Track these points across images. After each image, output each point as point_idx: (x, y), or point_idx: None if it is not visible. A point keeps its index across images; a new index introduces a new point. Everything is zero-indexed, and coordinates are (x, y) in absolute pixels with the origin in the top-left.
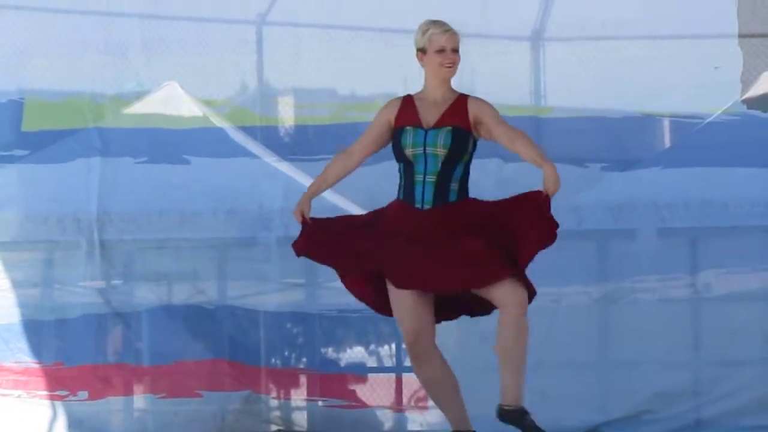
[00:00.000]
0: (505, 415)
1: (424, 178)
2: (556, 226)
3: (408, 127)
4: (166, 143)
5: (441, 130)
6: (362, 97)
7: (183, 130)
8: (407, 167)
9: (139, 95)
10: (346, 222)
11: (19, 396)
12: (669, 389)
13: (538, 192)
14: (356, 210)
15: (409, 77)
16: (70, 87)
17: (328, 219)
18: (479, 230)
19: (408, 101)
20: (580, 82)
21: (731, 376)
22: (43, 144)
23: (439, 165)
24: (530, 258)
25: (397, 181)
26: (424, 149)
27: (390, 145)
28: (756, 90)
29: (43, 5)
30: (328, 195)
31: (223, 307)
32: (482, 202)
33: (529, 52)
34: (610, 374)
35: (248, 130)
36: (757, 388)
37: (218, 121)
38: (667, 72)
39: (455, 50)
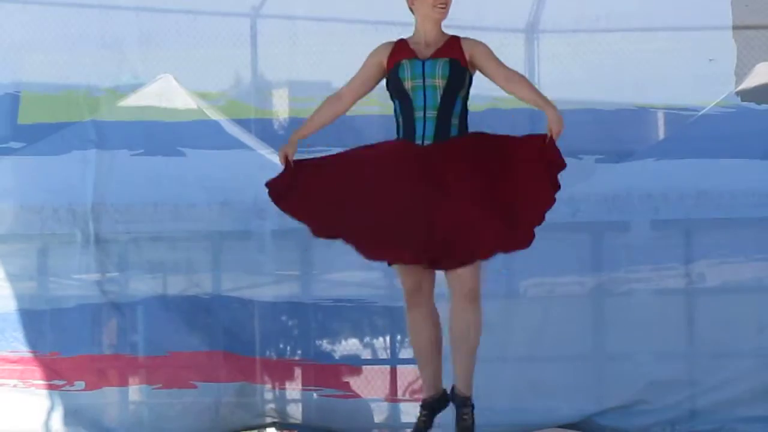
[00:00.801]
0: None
1: (425, 113)
2: (563, 165)
3: (404, 60)
4: (162, 136)
5: (438, 61)
6: None
7: (178, 123)
8: (405, 103)
9: (134, 88)
10: (332, 170)
11: (15, 385)
12: (663, 379)
13: (542, 135)
14: None
15: None
16: (66, 80)
17: (311, 164)
18: (480, 177)
19: (401, 43)
20: (575, 75)
21: (725, 367)
22: (39, 136)
23: (439, 98)
24: (541, 219)
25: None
26: (423, 80)
27: None
28: (750, 82)
29: None
30: None
31: (218, 298)
32: (484, 136)
33: (523, 44)
34: (604, 364)
35: (243, 123)
36: (751, 378)
37: (213, 114)
38: (661, 64)
39: None
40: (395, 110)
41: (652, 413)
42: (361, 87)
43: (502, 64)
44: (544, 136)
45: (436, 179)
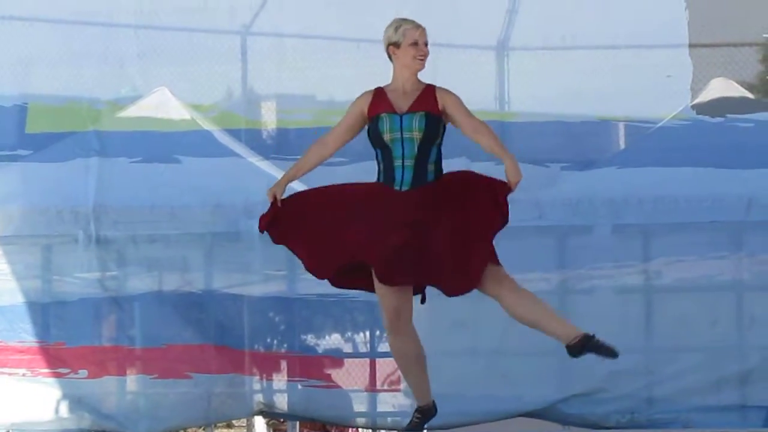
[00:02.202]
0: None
1: (403, 162)
2: (506, 215)
3: (383, 114)
4: (158, 144)
5: (415, 115)
6: (340, 102)
7: (174, 133)
8: (385, 153)
9: (133, 100)
10: (316, 204)
11: (24, 374)
12: (623, 369)
13: (502, 183)
14: None
15: (383, 84)
16: (70, 93)
17: (297, 199)
18: (450, 218)
19: (379, 92)
20: (542, 89)
21: (681, 359)
22: (45, 145)
23: (416, 149)
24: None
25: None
26: (401, 134)
27: (355, 143)
28: (704, 96)
29: (45, 17)
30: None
31: (210, 294)
32: (452, 178)
33: (494, 60)
34: (567, 356)
35: (234, 133)
36: (704, 370)
37: (206, 124)
38: (622, 80)
39: (426, 44)
40: (376, 157)
41: (612, 401)
42: (344, 134)
43: (470, 115)
44: (505, 184)
45: (411, 220)
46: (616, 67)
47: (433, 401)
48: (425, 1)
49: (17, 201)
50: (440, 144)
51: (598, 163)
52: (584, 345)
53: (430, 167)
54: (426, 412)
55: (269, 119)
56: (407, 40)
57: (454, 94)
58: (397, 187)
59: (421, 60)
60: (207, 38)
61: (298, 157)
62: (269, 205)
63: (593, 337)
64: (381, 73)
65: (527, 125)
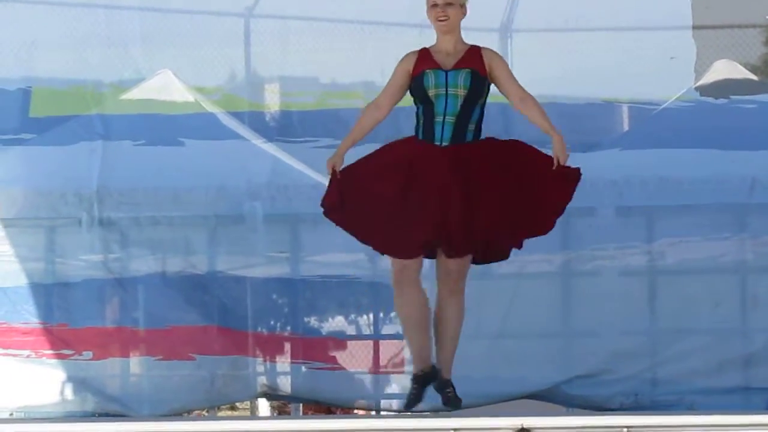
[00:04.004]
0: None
1: (444, 118)
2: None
3: (428, 70)
4: (162, 127)
5: (461, 72)
6: (343, 85)
7: (178, 116)
8: (426, 108)
9: (136, 83)
10: (368, 179)
11: (28, 356)
12: (626, 350)
13: (551, 159)
14: None
15: (386, 67)
16: (74, 76)
17: (352, 174)
18: (491, 184)
19: (424, 52)
20: (546, 72)
21: (684, 340)
22: (49, 128)
23: (459, 106)
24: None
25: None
26: (446, 89)
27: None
28: (708, 78)
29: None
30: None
31: (213, 276)
32: (497, 144)
33: (497, 43)
34: (571, 337)
35: (237, 115)
36: (708, 351)
37: (210, 107)
38: (625, 62)
39: (448, 4)
40: (417, 113)
41: (616, 383)
42: (395, 94)
43: (518, 84)
44: (552, 160)
45: (454, 178)
46: (619, 49)
47: (433, 366)
48: None
49: (21, 184)
50: (483, 104)
51: (601, 145)
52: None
53: (471, 126)
54: (422, 379)
55: (272, 102)
56: (429, 3)
57: (501, 58)
58: (437, 143)
59: (442, 21)
60: (210, 21)
61: (301, 139)
62: (329, 178)
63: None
64: (384, 55)
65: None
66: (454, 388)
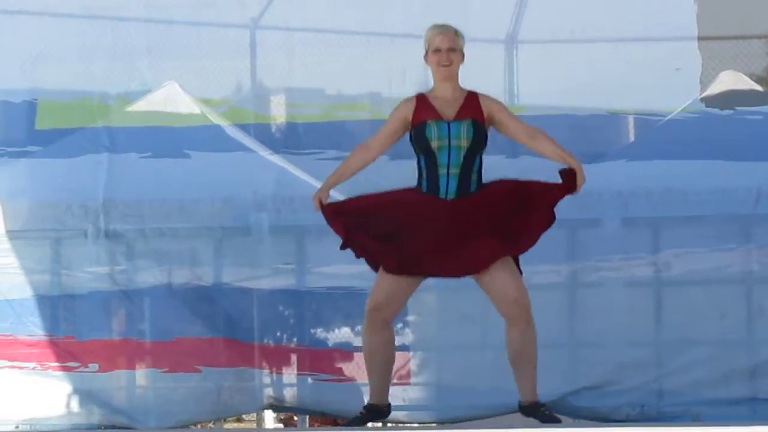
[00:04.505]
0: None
1: (448, 170)
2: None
3: (430, 121)
4: (168, 139)
5: (463, 122)
6: (349, 96)
7: (184, 128)
8: (429, 160)
9: (142, 95)
10: (359, 210)
11: (34, 368)
12: (632, 362)
13: (559, 186)
14: None
15: (393, 79)
16: (80, 88)
17: (341, 204)
18: (495, 222)
19: (422, 99)
20: (552, 83)
21: (690, 351)
22: (55, 141)
23: (462, 158)
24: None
25: (414, 175)
26: (449, 141)
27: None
28: (713, 89)
29: (54, 11)
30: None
31: (219, 288)
32: (499, 187)
33: (503, 54)
34: (577, 348)
35: (243, 127)
36: (714, 362)
37: (216, 119)
38: (631, 73)
39: (451, 49)
40: (419, 164)
41: (622, 394)
42: (387, 139)
43: (521, 122)
44: (562, 186)
45: (460, 226)
46: (624, 60)
47: (388, 405)
48: None
49: (27, 196)
50: (482, 153)
51: (607, 156)
52: (535, 409)
53: (474, 176)
54: (376, 411)
55: (278, 113)
56: (431, 47)
57: (499, 102)
58: (442, 196)
59: (445, 67)
60: (216, 32)
61: (307, 151)
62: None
63: (543, 405)
64: (391, 67)
65: (536, 118)
66: (545, 406)
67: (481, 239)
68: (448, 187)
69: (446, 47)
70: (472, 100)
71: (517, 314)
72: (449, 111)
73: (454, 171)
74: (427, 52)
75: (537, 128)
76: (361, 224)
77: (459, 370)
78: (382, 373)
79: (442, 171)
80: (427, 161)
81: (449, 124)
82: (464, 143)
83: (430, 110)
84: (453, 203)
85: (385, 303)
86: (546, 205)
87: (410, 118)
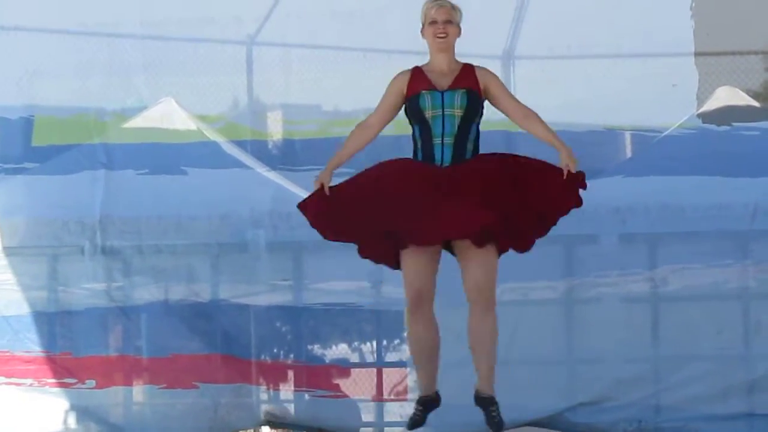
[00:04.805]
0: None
1: (443, 140)
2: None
3: (424, 91)
4: (165, 156)
5: (456, 92)
6: (346, 112)
7: (181, 144)
8: (423, 129)
9: (139, 111)
10: (356, 191)
11: (31, 384)
12: (629, 377)
13: (560, 170)
14: None
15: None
16: (77, 104)
17: (339, 189)
18: (494, 193)
19: (417, 71)
20: (548, 99)
21: (687, 367)
22: (52, 157)
23: (456, 126)
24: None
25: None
26: (443, 110)
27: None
28: (710, 105)
29: (51, 28)
30: None
31: (216, 304)
32: (499, 158)
33: (500, 70)
34: (574, 364)
35: (240, 143)
36: (711, 378)
37: (212, 135)
38: (628, 89)
39: (448, 21)
40: (413, 135)
41: (619, 410)
42: (386, 114)
43: (516, 99)
44: (561, 171)
45: (455, 191)
46: (621, 76)
47: (437, 392)
48: None
49: (23, 212)
50: (479, 122)
51: (604, 172)
52: (486, 403)
53: (469, 145)
54: (427, 402)
55: (275, 130)
56: (427, 20)
57: (496, 76)
58: (438, 164)
59: (441, 38)
60: (213, 48)
61: (304, 167)
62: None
63: (495, 405)
64: (386, 83)
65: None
66: (497, 407)
67: (477, 207)
68: (443, 156)
69: (442, 19)
70: (468, 71)
71: (474, 300)
72: (444, 81)
73: (449, 140)
74: (423, 26)
75: (530, 109)
76: (358, 215)
77: (455, 387)
78: (428, 362)
79: (437, 140)
80: (421, 131)
81: (443, 94)
82: (458, 112)
83: (424, 81)
84: (447, 169)
85: (422, 288)
86: (565, 183)
87: (405, 90)
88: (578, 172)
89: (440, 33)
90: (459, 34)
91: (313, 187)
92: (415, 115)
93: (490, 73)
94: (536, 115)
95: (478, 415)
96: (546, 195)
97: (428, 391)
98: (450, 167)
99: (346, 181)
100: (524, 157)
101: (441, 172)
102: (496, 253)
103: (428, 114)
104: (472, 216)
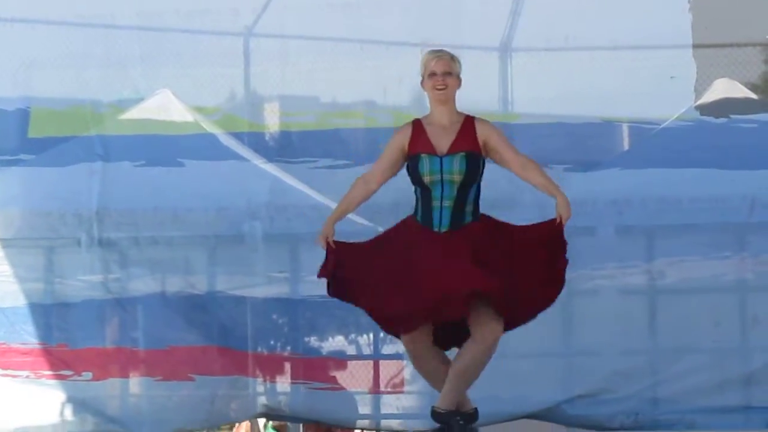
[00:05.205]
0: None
1: (441, 203)
2: (562, 284)
3: (423, 155)
4: (162, 148)
5: (455, 156)
6: (343, 104)
7: (178, 136)
8: (424, 192)
9: (135, 103)
10: (367, 252)
11: (27, 376)
12: (626, 370)
13: (552, 220)
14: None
15: (387, 87)
16: (73, 96)
17: (350, 246)
18: (489, 257)
19: (418, 126)
20: (545, 90)
21: (685, 359)
22: (48, 149)
23: (455, 190)
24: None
25: (412, 202)
26: (441, 176)
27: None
28: (708, 97)
29: (47, 19)
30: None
31: (213, 296)
32: (495, 224)
33: (497, 62)
34: (571, 356)
35: (237, 135)
36: (709, 371)
37: (209, 127)
38: (625, 81)
39: (447, 73)
40: (415, 192)
41: (616, 402)
42: (388, 170)
43: (514, 150)
44: (554, 220)
45: (452, 260)
46: (619, 68)
47: (475, 408)
48: (429, 4)
49: (20, 204)
50: (480, 182)
51: (601, 165)
52: (447, 419)
53: (468, 208)
54: (468, 417)
55: (272, 122)
56: (427, 72)
57: (495, 128)
58: (435, 229)
59: (440, 90)
60: (210, 40)
61: (301, 159)
62: (325, 253)
63: (458, 419)
64: (385, 74)
65: (530, 127)
66: (461, 416)
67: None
68: (441, 219)
69: (441, 71)
70: (467, 127)
71: (479, 338)
72: (443, 142)
73: (447, 203)
74: (423, 78)
75: (529, 159)
76: (361, 279)
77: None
78: (443, 381)
79: (436, 203)
80: (422, 193)
81: (442, 159)
82: (457, 178)
83: (424, 141)
84: (445, 236)
85: (415, 336)
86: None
87: (406, 147)
88: (562, 241)
89: (439, 85)
90: (459, 85)
91: (317, 243)
92: (414, 177)
93: (490, 126)
94: (535, 164)
95: (478, 406)
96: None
97: (459, 407)
98: (448, 234)
99: (351, 244)
100: (520, 229)
101: (438, 242)
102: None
103: (427, 179)
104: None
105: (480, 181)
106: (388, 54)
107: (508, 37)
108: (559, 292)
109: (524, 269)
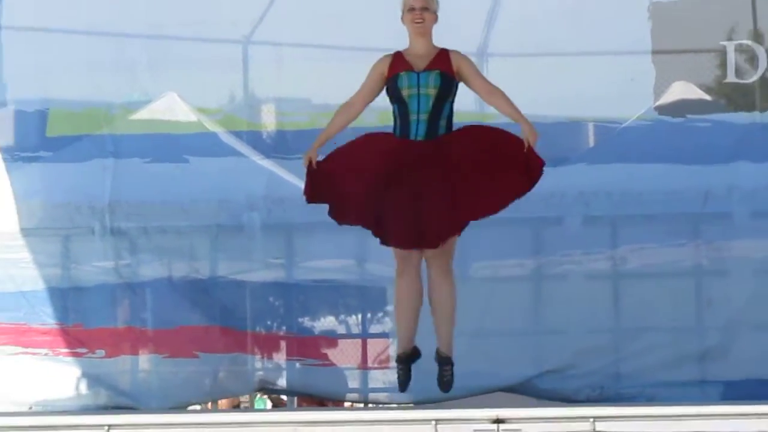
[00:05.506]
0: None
1: (418, 116)
2: (542, 164)
3: (402, 72)
4: (168, 146)
5: (431, 73)
6: (334, 105)
7: (182, 135)
8: (401, 107)
9: (144, 105)
10: (346, 166)
11: (46, 354)
12: (591, 347)
13: (522, 142)
14: None
15: None
16: (87, 98)
17: (329, 162)
18: (462, 166)
19: (398, 55)
20: (519, 93)
21: (645, 338)
22: (65, 147)
23: (430, 104)
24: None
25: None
26: (418, 89)
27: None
28: (666, 99)
29: (63, 28)
30: None
31: (215, 281)
32: (469, 131)
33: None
34: (541, 335)
35: (237, 134)
36: (668, 348)
37: (212, 127)
38: (591, 84)
39: (424, 8)
40: (393, 112)
41: (582, 377)
42: (368, 95)
43: (483, 78)
44: (523, 143)
45: (425, 170)
46: (586, 72)
47: (414, 347)
48: None
49: (39, 197)
50: (452, 102)
51: (569, 160)
52: (443, 362)
53: (442, 122)
54: (406, 358)
55: (269, 121)
56: (406, 7)
57: (467, 58)
58: (412, 138)
59: (418, 23)
60: (211, 48)
61: (295, 155)
62: (306, 169)
63: (449, 366)
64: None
65: (504, 126)
66: (452, 367)
67: (441, 211)
68: (418, 130)
69: (419, 6)
70: (443, 55)
71: (432, 266)
72: (420, 63)
73: (423, 117)
74: (403, 13)
75: (497, 88)
76: (342, 190)
77: (432, 355)
78: (409, 320)
79: (413, 117)
80: (399, 108)
81: (419, 75)
82: (432, 91)
83: (403, 63)
84: (422, 144)
85: (407, 254)
86: (522, 163)
87: (386, 72)
88: (539, 160)
89: (417, 19)
90: (435, 20)
91: (303, 163)
92: (393, 93)
93: (463, 56)
94: (501, 92)
95: (457, 380)
96: (501, 179)
97: (406, 347)
98: (424, 142)
99: (331, 155)
100: (498, 132)
101: (416, 148)
102: None
103: (405, 93)
104: (442, 228)
105: (453, 100)
106: (373, 59)
107: (484, 42)
108: (537, 177)
109: (496, 162)
